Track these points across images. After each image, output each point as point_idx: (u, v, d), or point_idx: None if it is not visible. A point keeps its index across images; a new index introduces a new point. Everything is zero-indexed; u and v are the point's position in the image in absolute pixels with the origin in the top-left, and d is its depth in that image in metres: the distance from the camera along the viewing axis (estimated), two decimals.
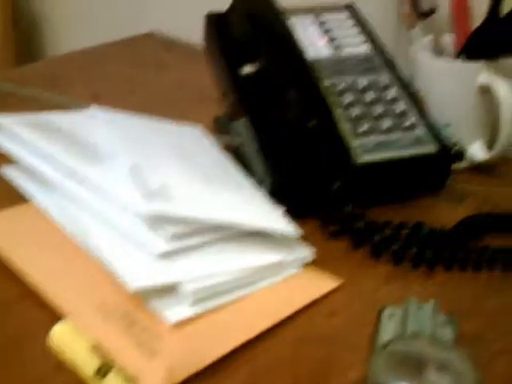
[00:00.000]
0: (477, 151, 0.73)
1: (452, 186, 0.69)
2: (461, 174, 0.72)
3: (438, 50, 0.76)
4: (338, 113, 0.66)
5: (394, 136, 0.65)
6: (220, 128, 0.76)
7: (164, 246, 0.52)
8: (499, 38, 0.68)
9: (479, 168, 0.73)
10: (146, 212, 0.52)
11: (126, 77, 0.96)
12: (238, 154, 0.69)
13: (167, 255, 0.52)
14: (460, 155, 0.70)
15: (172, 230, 0.52)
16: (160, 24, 1.12)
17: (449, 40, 0.76)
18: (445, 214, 0.67)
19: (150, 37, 1.11)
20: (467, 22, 0.74)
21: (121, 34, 1.09)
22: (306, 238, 0.59)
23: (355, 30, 0.76)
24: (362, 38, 0.75)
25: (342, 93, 0.68)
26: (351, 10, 0.78)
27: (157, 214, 0.52)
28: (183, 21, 1.02)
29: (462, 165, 0.72)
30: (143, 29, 1.12)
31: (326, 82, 0.68)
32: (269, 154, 0.64)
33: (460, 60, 0.73)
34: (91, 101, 0.75)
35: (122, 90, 0.91)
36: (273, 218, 0.57)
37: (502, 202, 0.68)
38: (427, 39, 0.76)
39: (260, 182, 0.63)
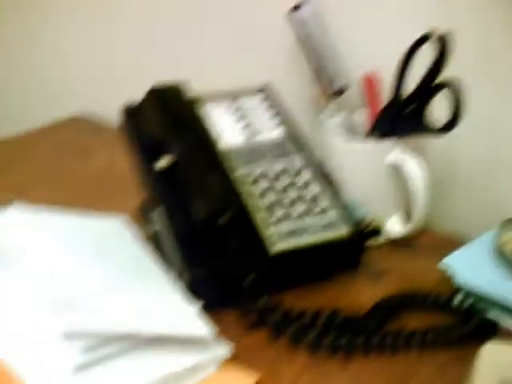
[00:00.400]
0: (393, 226, 0.74)
1: (370, 263, 0.71)
2: (379, 249, 0.73)
3: (351, 128, 0.78)
4: (252, 202, 0.67)
5: (307, 221, 0.67)
6: (144, 216, 0.76)
7: (76, 359, 0.51)
8: (404, 118, 0.70)
9: (397, 242, 0.75)
10: (57, 326, 0.52)
11: (50, 166, 0.96)
12: (159, 244, 0.70)
13: (80, 368, 0.51)
14: (376, 232, 0.72)
15: (84, 342, 0.52)
16: (87, 106, 1.12)
17: (361, 117, 0.78)
18: (363, 292, 0.68)
19: (76, 120, 1.11)
20: (378, 100, 0.76)
21: (48, 117, 1.09)
22: (225, 331, 0.59)
23: (269, 113, 0.77)
24: (276, 121, 0.76)
25: (255, 181, 0.69)
26: (266, 92, 0.80)
27: (68, 328, 0.52)
28: (110, 103, 1.03)
29: (381, 240, 0.74)
30: (70, 111, 1.12)
31: (240, 171, 0.70)
32: (185, 248, 0.65)
33: (371, 138, 0.74)
34: (15, 195, 0.75)
35: (46, 181, 0.91)
36: (187, 319, 0.57)
37: (420, 277, 0.69)
38: (339, 118, 0.78)
39: (178, 276, 0.64)
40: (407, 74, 0.70)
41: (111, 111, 1.04)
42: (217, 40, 0.96)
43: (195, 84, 0.76)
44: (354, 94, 0.80)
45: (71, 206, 0.77)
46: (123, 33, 1.08)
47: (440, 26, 0.67)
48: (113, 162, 0.95)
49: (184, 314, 0.58)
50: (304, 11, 0.78)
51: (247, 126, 0.75)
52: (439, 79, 0.67)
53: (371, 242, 0.72)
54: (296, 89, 0.86)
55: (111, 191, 0.87)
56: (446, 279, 0.66)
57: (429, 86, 0.68)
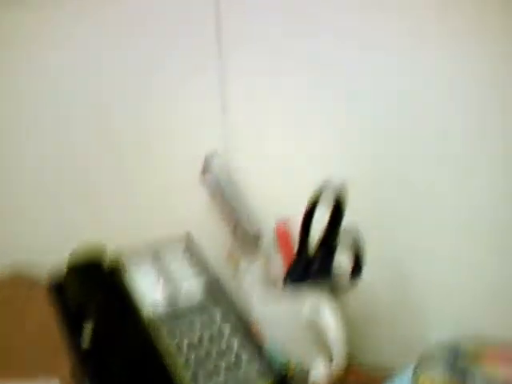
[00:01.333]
0: (317, 370, 0.75)
1: None
2: None
3: (268, 277, 0.80)
4: (177, 372, 0.68)
5: (230, 381, 0.67)
6: (76, 380, 0.77)
7: None
8: (313, 267, 0.73)
9: None
10: None
11: None
12: None
13: None
14: (302, 377, 0.73)
15: None
16: (24, 261, 1.12)
17: (276, 263, 0.81)
18: None
19: (14, 276, 1.11)
20: (290, 248, 0.79)
21: None
22: None
23: (190, 265, 0.79)
24: (196, 272, 0.78)
25: (178, 343, 0.70)
26: (186, 242, 0.82)
27: None
28: (46, 259, 1.04)
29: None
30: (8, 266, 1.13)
31: (162, 332, 0.71)
32: None
33: (286, 287, 0.76)
34: None
35: None
36: None
37: None
38: (256, 267, 0.80)
39: None
40: (312, 223, 0.73)
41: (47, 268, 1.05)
42: (137, 193, 0.98)
43: (119, 238, 0.78)
44: (268, 242, 0.82)
45: (5, 368, 0.77)
46: (46, 188, 1.10)
47: (340, 175, 0.71)
48: (50, 317, 0.95)
49: None
50: (208, 177, 0.81)
51: (169, 280, 0.77)
52: (340, 229, 0.70)
53: None
54: (216, 239, 0.88)
55: (47, 350, 0.87)
56: None
57: (331, 236, 0.70)
